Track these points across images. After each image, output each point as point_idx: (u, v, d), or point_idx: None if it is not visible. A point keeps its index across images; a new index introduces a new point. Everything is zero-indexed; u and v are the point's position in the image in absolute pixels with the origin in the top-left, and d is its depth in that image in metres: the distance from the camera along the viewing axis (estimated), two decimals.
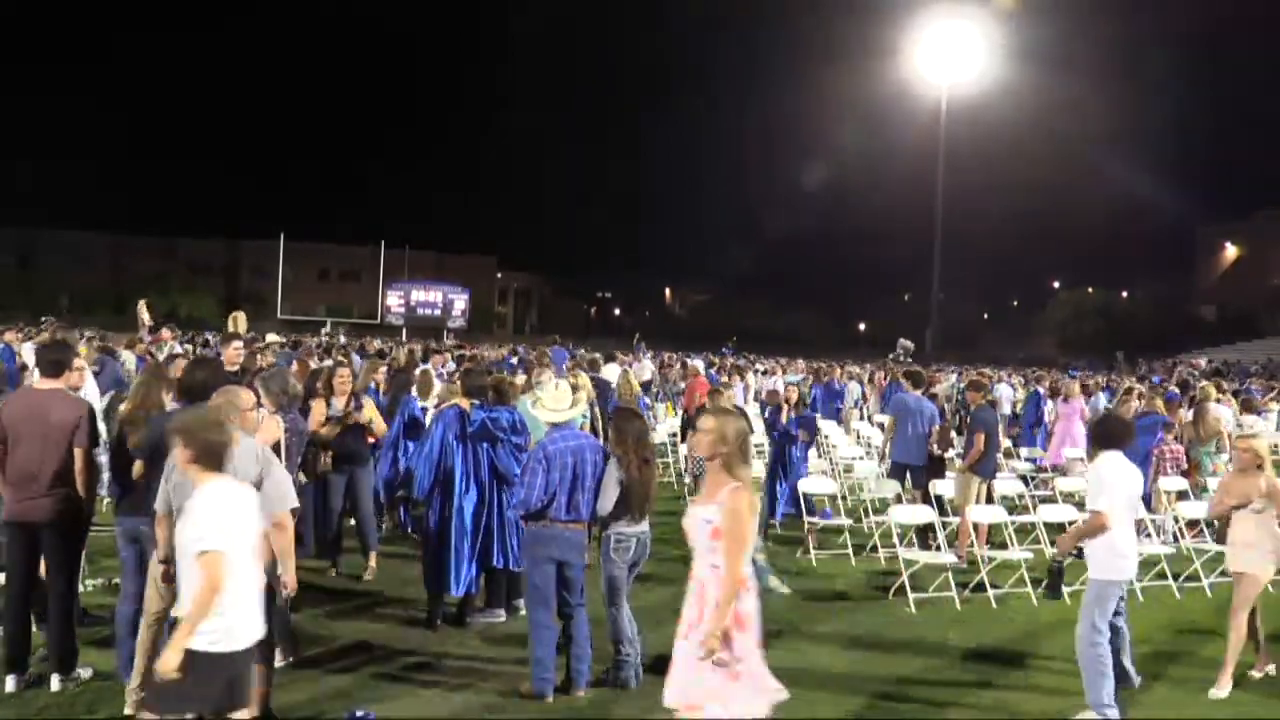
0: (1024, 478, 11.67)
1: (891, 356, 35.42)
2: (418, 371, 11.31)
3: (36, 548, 5.16)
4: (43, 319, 17.99)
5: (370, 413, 7.99)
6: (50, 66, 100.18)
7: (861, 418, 17.41)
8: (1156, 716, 5.65)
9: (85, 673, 5.28)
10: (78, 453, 5.12)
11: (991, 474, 9.56)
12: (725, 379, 17.10)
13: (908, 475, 9.91)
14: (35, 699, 5.10)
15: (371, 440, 8.08)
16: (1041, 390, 16.77)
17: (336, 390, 7.89)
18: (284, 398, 6.23)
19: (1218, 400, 12.71)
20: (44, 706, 5.04)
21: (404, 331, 54.49)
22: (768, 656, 4.03)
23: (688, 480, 10.75)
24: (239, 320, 16.70)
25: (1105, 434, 5.87)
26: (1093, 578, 5.54)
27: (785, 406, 10.13)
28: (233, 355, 8.60)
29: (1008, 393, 18.13)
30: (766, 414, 10.71)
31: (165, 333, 17.45)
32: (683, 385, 17.86)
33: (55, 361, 5.32)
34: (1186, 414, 12.15)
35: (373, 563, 7.83)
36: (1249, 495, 6.20)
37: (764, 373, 22.01)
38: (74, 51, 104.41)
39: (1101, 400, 16.74)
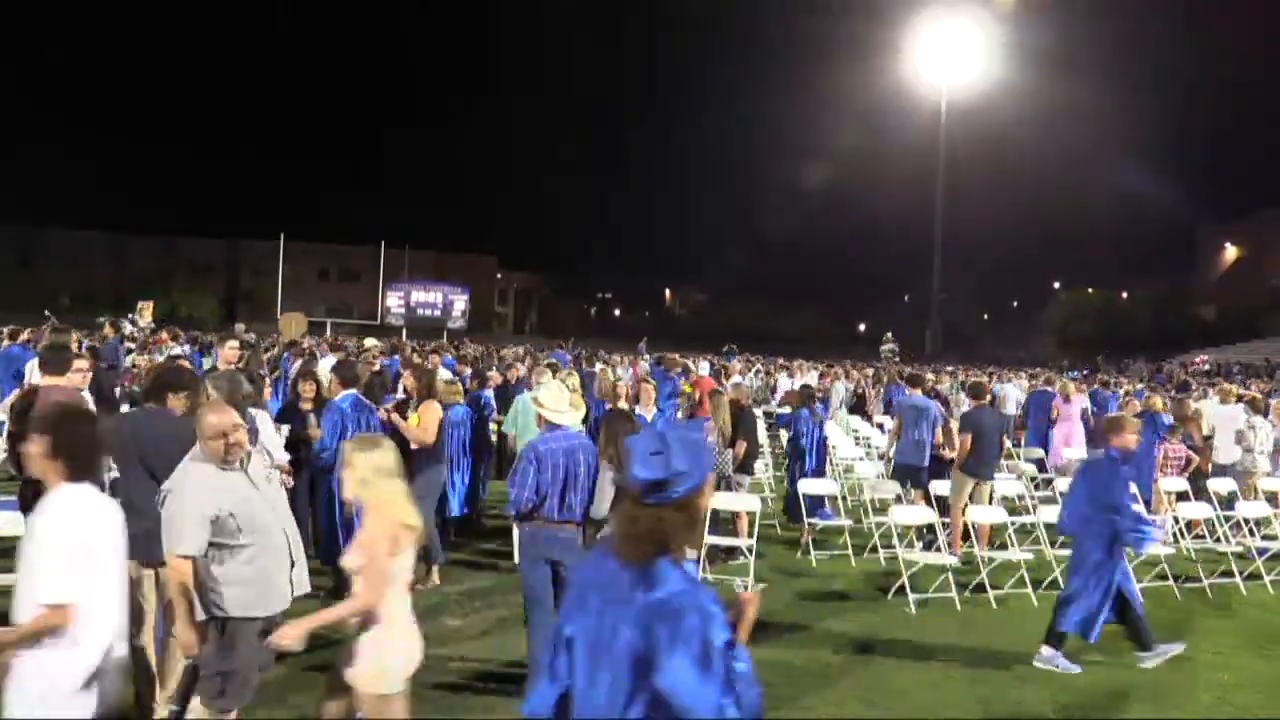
0: (1023, 478, 11.64)
1: (882, 356, 35.34)
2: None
3: None
4: (46, 312, 18.18)
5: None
6: (52, 66, 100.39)
7: (863, 418, 17.36)
8: (1157, 715, 5.64)
9: None
10: None
11: (988, 476, 9.37)
12: (727, 377, 17.08)
13: (912, 476, 9.84)
14: None
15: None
16: (1048, 389, 16.67)
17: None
18: (235, 398, 6.32)
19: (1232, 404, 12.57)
20: None
21: (404, 332, 54.44)
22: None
23: None
24: (295, 323, 16.51)
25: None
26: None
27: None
28: (229, 355, 8.59)
29: (1014, 394, 18.06)
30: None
31: (165, 335, 17.46)
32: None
33: (57, 361, 5.82)
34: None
35: (434, 575, 7.53)
36: None
37: (760, 373, 21.95)
38: (80, 52, 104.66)
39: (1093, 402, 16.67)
